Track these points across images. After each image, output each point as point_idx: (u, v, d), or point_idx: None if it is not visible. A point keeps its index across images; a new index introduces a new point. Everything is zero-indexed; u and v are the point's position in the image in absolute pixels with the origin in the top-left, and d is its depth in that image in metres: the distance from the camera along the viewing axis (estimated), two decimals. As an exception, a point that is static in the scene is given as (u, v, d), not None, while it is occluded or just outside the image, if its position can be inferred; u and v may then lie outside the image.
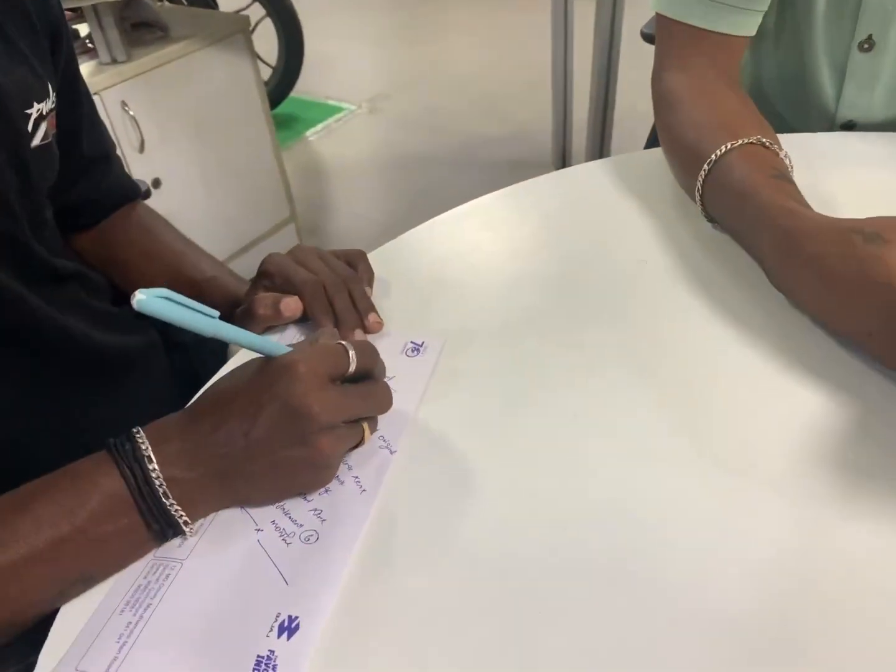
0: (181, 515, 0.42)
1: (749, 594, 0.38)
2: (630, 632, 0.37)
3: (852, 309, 0.48)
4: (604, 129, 2.00)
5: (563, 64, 2.20)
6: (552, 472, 0.46)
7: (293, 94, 2.74)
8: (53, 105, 0.59)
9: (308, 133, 2.78)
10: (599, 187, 0.73)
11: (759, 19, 0.72)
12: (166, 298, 0.39)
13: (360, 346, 0.47)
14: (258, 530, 0.44)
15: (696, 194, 0.62)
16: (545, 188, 0.74)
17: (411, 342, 0.57)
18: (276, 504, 0.46)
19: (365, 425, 0.47)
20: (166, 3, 1.99)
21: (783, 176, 0.57)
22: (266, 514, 0.45)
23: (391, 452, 0.48)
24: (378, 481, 0.46)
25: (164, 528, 0.43)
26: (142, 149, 1.61)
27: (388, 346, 0.56)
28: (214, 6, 2.49)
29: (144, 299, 0.37)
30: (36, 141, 0.57)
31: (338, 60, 3.30)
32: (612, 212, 0.69)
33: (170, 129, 1.67)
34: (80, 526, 0.41)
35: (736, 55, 0.72)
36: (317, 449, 0.43)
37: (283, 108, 2.73)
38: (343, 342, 0.46)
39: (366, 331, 0.57)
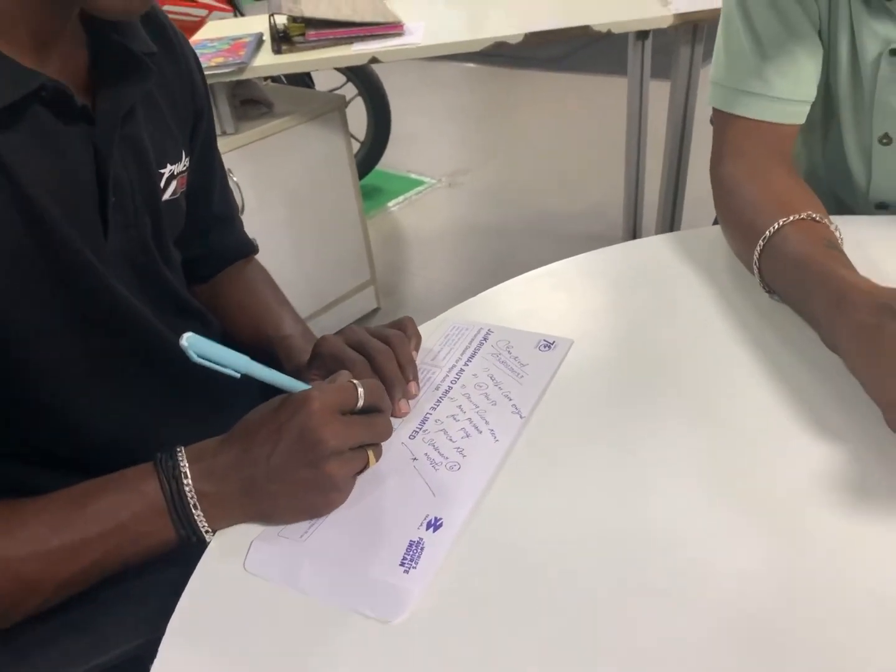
0: (204, 525, 0.51)
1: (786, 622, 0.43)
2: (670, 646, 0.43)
3: (875, 379, 0.52)
4: (674, 207, 2.07)
5: (637, 144, 2.29)
6: (614, 490, 0.52)
7: (378, 167, 2.91)
8: (185, 168, 0.70)
9: (390, 203, 2.94)
10: (664, 258, 0.79)
11: (807, 109, 0.79)
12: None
13: (369, 384, 0.55)
14: (414, 459, 0.57)
15: (754, 267, 0.68)
16: (614, 257, 0.81)
17: (544, 340, 0.68)
18: (428, 442, 0.58)
19: (370, 452, 0.54)
20: (270, 83, 2.18)
21: (833, 245, 0.63)
22: (420, 449, 0.57)
23: (521, 417, 0.60)
24: (509, 434, 0.58)
25: (189, 534, 0.51)
26: (241, 212, 1.75)
27: (524, 341, 0.68)
28: (311, 86, 2.70)
29: (192, 338, 0.47)
30: (166, 195, 0.67)
31: (421, 137, 3.49)
32: (676, 280, 0.75)
33: (267, 195, 1.82)
34: (123, 523, 0.51)
35: (787, 140, 0.79)
36: (324, 471, 0.50)
37: (368, 179, 2.90)
38: (354, 381, 0.54)
39: (408, 398, 0.62)
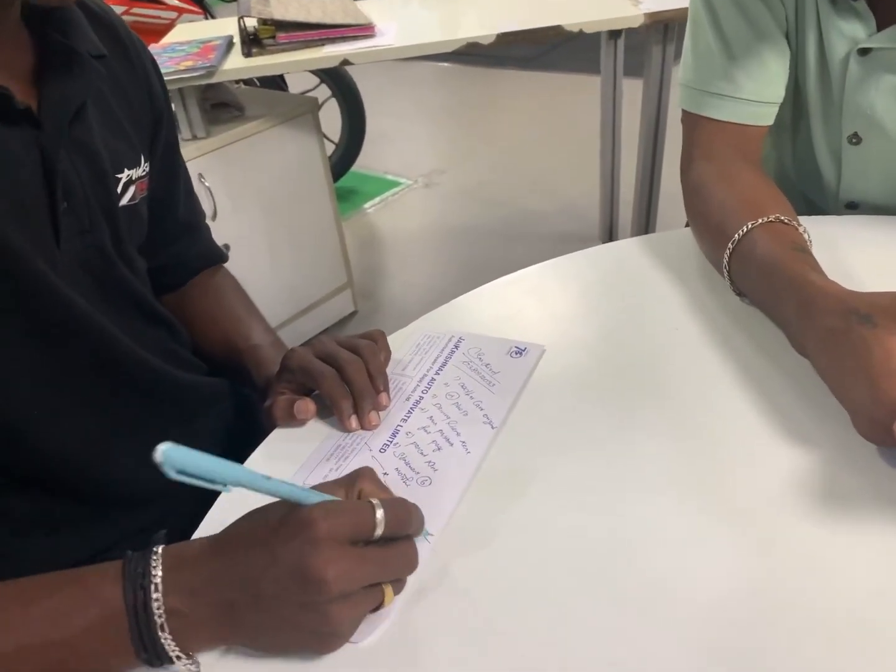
0: (174, 649, 0.42)
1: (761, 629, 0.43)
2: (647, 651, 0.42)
3: (842, 384, 0.52)
4: (649, 205, 2.08)
5: (612, 142, 2.30)
6: (586, 503, 0.52)
7: (354, 168, 2.90)
8: (144, 173, 0.68)
9: (366, 205, 2.93)
10: (637, 262, 0.79)
11: (775, 110, 0.79)
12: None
13: (391, 504, 0.44)
14: (385, 474, 0.55)
15: (724, 269, 0.68)
16: (587, 261, 0.81)
17: (515, 347, 0.67)
18: (399, 456, 0.56)
19: (388, 588, 0.44)
20: (242, 86, 2.16)
21: (802, 248, 0.63)
22: (391, 463, 0.56)
23: (492, 427, 0.59)
24: (480, 446, 0.57)
25: (151, 659, 0.42)
26: (214, 217, 1.74)
27: (495, 349, 0.67)
28: (285, 88, 2.68)
29: (169, 451, 0.36)
30: (124, 201, 0.65)
31: (396, 138, 3.48)
32: (649, 284, 0.75)
33: (241, 200, 1.80)
34: (71, 634, 0.42)
35: (756, 141, 0.79)
36: (326, 618, 0.41)
37: (344, 181, 2.89)
38: (374, 500, 0.44)
39: (378, 410, 0.61)
